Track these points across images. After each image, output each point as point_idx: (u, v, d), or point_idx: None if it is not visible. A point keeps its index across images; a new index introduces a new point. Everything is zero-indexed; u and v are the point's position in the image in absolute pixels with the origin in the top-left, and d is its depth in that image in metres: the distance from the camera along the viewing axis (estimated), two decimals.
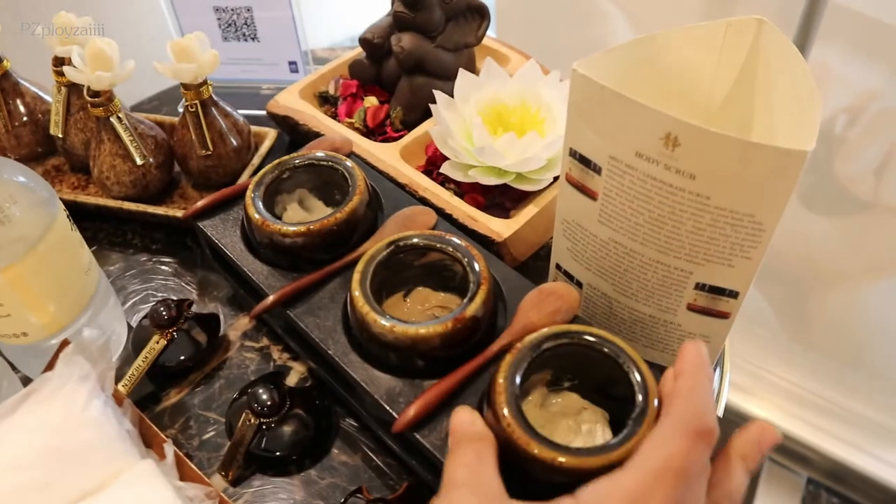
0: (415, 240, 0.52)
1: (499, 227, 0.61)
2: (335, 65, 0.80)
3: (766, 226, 0.45)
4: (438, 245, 0.51)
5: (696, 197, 0.45)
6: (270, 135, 0.75)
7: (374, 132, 0.73)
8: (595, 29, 1.15)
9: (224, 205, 0.60)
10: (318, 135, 0.72)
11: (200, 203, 0.59)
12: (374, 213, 0.58)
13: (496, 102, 0.68)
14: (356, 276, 0.49)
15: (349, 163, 0.58)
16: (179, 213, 0.68)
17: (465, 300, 0.48)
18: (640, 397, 0.42)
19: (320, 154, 0.59)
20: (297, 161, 0.58)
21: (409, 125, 0.74)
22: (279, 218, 0.57)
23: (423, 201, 0.64)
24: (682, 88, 0.54)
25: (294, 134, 0.76)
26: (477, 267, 0.49)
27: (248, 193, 0.56)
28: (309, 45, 0.84)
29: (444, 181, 0.67)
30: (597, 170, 0.49)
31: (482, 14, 0.73)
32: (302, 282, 0.53)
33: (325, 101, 0.78)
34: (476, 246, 0.53)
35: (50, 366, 0.50)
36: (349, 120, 0.74)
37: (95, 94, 0.66)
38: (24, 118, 0.75)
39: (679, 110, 0.44)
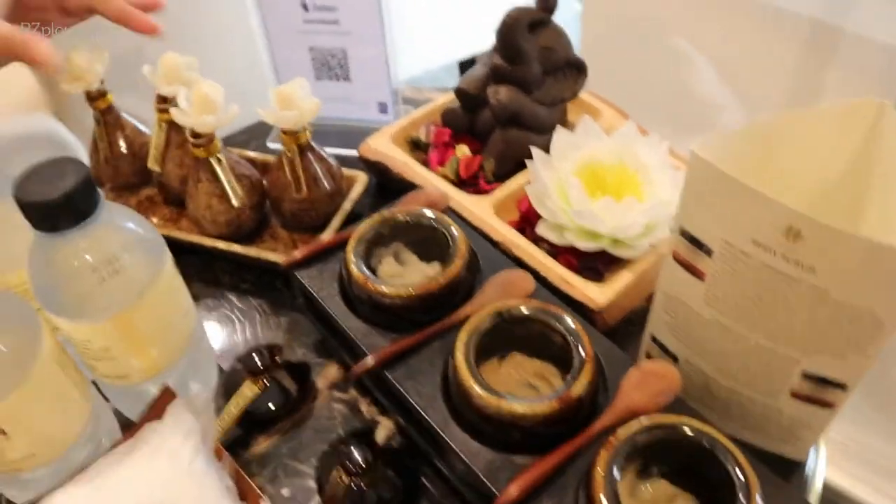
0: (522, 311, 0.51)
1: (595, 294, 0.61)
2: (427, 110, 0.80)
3: (887, 324, 0.44)
4: (544, 318, 0.51)
5: (814, 289, 0.44)
6: (361, 179, 0.76)
7: (466, 183, 0.74)
8: (679, 75, 1.14)
9: (321, 255, 0.61)
10: (409, 183, 0.72)
11: (300, 254, 0.60)
12: (473, 274, 0.58)
13: (593, 161, 0.67)
14: (460, 346, 0.49)
15: (454, 229, 0.58)
16: (272, 257, 0.69)
17: (569, 378, 0.48)
18: (742, 499, 0.42)
19: (427, 213, 0.59)
20: (399, 218, 0.59)
21: (500, 177, 0.74)
22: (374, 270, 0.57)
23: (518, 261, 0.63)
24: (795, 169, 0.53)
25: (384, 178, 0.76)
26: (582, 349, 0.49)
27: (349, 249, 0.57)
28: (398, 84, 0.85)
29: (537, 238, 0.67)
30: (707, 252, 0.48)
31: (580, 69, 0.73)
32: (401, 344, 0.53)
33: (416, 147, 0.78)
34: (570, 312, 0.53)
35: (155, 414, 0.51)
36: (442, 169, 0.74)
37: (197, 135, 0.68)
38: (124, 150, 0.77)
39: (792, 192, 0.43)
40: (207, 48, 1.08)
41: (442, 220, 0.58)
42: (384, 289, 0.54)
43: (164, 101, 0.72)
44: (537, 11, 0.69)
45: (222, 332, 0.68)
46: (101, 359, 0.53)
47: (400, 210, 0.60)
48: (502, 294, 0.56)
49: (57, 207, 0.46)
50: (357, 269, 0.55)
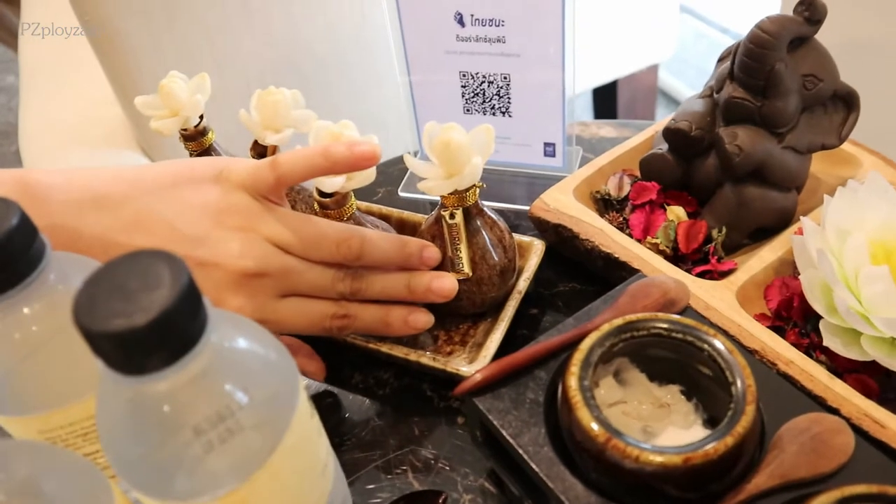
0: None
1: None
2: (616, 155, 0.61)
3: None
4: None
5: None
6: (536, 250, 0.56)
7: (686, 259, 0.54)
8: None
9: (512, 375, 0.42)
10: (607, 256, 0.53)
11: (480, 376, 0.41)
12: (761, 423, 0.38)
13: (885, 237, 0.47)
14: None
15: (733, 356, 0.38)
16: (426, 360, 0.50)
17: None
18: None
19: (687, 325, 0.39)
20: (648, 330, 0.40)
21: (728, 248, 0.54)
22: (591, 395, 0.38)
23: (788, 379, 0.43)
24: None
25: (565, 247, 0.57)
26: None
27: (572, 383, 0.38)
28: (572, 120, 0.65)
29: (809, 347, 0.47)
30: None
31: (850, 105, 0.53)
32: None
33: (607, 205, 0.59)
34: None
35: None
36: (652, 240, 0.54)
37: (324, 194, 0.50)
38: None
39: None
40: (328, 68, 0.89)
41: (712, 343, 0.39)
42: (648, 456, 0.34)
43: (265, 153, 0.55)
44: (800, 23, 0.50)
45: (356, 455, 0.50)
46: None
47: (645, 318, 0.40)
48: (812, 456, 0.36)
49: (144, 337, 0.28)
50: (591, 417, 0.36)
